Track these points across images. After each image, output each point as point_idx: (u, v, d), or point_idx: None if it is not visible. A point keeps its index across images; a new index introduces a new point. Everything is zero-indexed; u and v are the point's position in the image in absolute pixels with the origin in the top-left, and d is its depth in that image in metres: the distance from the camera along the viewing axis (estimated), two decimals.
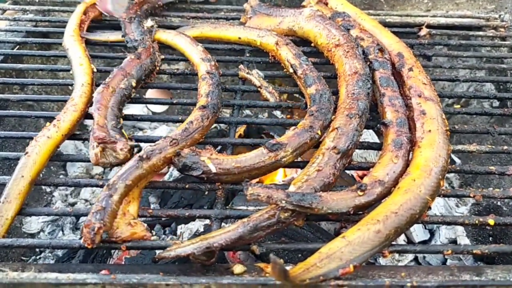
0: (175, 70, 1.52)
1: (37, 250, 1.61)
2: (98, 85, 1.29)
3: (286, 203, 0.90)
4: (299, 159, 1.14)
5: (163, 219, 1.63)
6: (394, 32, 1.52)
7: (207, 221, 1.56)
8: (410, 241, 1.62)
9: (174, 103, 1.42)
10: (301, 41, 1.57)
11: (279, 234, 1.36)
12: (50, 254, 1.59)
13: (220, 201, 1.07)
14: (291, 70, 1.39)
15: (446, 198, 1.74)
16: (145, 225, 0.97)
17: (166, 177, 1.80)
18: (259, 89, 1.42)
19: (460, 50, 1.76)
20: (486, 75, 1.77)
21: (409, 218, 0.92)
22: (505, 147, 1.23)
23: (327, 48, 1.44)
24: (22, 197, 1.02)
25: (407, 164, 1.06)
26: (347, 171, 1.67)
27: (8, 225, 0.98)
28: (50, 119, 1.19)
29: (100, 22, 1.74)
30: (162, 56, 1.52)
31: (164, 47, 1.58)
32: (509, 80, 1.62)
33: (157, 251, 1.09)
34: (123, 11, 1.67)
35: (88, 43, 1.59)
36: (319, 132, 1.14)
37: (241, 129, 1.89)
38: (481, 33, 1.80)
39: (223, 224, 1.04)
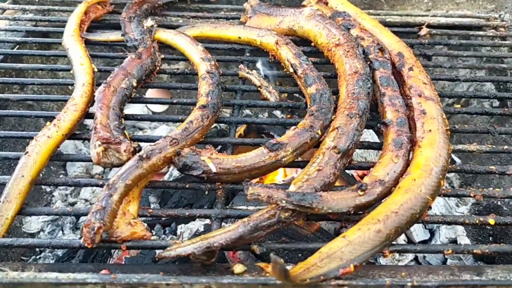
0: (175, 70, 1.52)
1: (37, 249, 1.61)
2: (98, 85, 1.29)
3: (287, 203, 0.90)
4: (299, 158, 1.14)
5: (163, 218, 1.63)
6: (394, 32, 1.53)
7: (207, 221, 1.56)
8: (410, 241, 1.62)
9: (174, 103, 1.42)
10: (301, 41, 1.57)
11: (279, 233, 1.35)
12: (50, 254, 1.59)
13: (220, 201, 1.07)
14: (291, 70, 1.39)
15: (447, 198, 1.74)
16: (145, 224, 0.97)
17: (166, 177, 1.80)
18: (259, 88, 1.42)
19: (460, 50, 1.76)
20: (486, 75, 1.77)
21: (410, 217, 0.92)
22: (506, 147, 1.23)
23: (327, 48, 1.43)
24: (22, 196, 1.02)
25: (407, 163, 1.06)
26: (347, 171, 1.67)
27: (8, 225, 0.98)
28: (50, 118, 1.19)
29: (100, 22, 1.74)
30: (162, 56, 1.52)
31: (164, 46, 1.58)
32: (509, 79, 1.62)
33: (157, 251, 1.09)
34: None
35: (88, 42, 1.59)
36: (319, 131, 1.14)
37: (241, 129, 1.89)
38: (481, 32, 1.80)
39: (223, 224, 1.04)
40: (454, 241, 1.61)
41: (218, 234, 0.89)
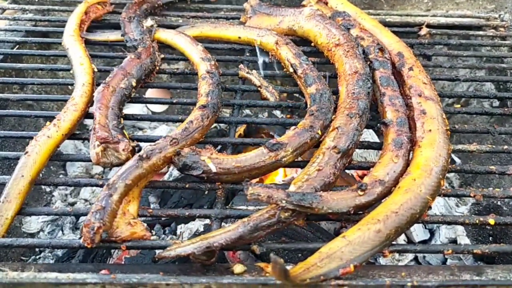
0: (175, 70, 1.52)
1: (37, 249, 1.61)
2: (98, 85, 1.29)
3: (287, 203, 0.89)
4: (299, 158, 1.14)
5: (163, 218, 1.63)
6: (394, 32, 1.52)
7: (207, 221, 1.56)
8: (410, 241, 1.62)
9: (174, 103, 1.42)
10: (301, 41, 1.57)
11: (279, 233, 1.35)
12: (49, 254, 1.58)
13: (220, 201, 1.07)
14: (291, 70, 1.39)
15: (446, 198, 1.74)
16: (145, 224, 0.97)
17: (166, 177, 1.79)
18: (259, 88, 1.42)
19: (460, 50, 1.76)
20: (486, 75, 1.77)
21: (410, 217, 0.92)
22: (505, 147, 1.23)
23: (327, 48, 1.43)
24: (22, 196, 1.02)
25: (407, 163, 1.06)
26: (347, 171, 1.67)
27: (8, 225, 0.98)
28: (50, 118, 1.19)
29: (100, 22, 1.74)
30: (162, 56, 1.52)
31: (163, 46, 1.58)
32: (509, 79, 1.62)
33: (157, 251, 1.09)
34: None
35: (88, 42, 1.59)
36: (319, 131, 1.14)
37: (241, 129, 1.89)
38: (481, 32, 1.80)
39: (223, 223, 1.04)
40: (454, 241, 1.61)
41: (218, 234, 0.89)
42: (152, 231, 1.62)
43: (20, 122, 1.78)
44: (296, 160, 1.12)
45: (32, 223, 1.68)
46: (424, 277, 0.89)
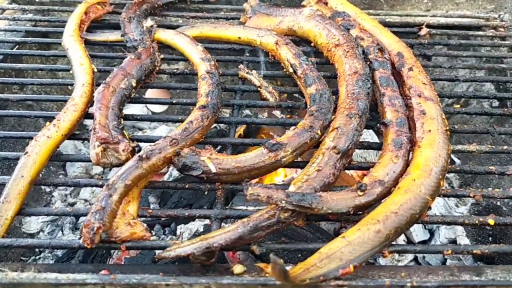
0: (175, 70, 1.52)
1: (37, 250, 1.61)
2: (98, 85, 1.29)
3: (286, 203, 0.89)
4: (299, 159, 1.14)
5: (162, 219, 1.63)
6: (394, 32, 1.53)
7: (207, 221, 1.56)
8: (410, 241, 1.62)
9: (174, 103, 1.42)
10: (301, 41, 1.57)
11: (279, 234, 1.36)
12: (49, 254, 1.58)
13: (220, 201, 1.07)
14: (291, 70, 1.39)
15: (446, 198, 1.74)
16: (145, 225, 0.97)
17: (165, 177, 1.79)
18: (259, 89, 1.42)
19: (460, 50, 1.77)
20: (486, 75, 1.77)
21: (409, 218, 0.92)
22: (505, 147, 1.23)
23: (327, 48, 1.43)
24: (22, 197, 1.02)
25: (407, 164, 1.06)
26: (347, 171, 1.67)
27: (8, 225, 0.98)
28: (50, 119, 1.19)
29: (100, 22, 1.74)
30: (162, 56, 1.52)
31: (163, 46, 1.58)
32: (509, 80, 1.62)
33: (157, 251, 1.09)
34: None
35: (88, 42, 1.59)
36: (319, 132, 1.14)
37: (241, 129, 1.89)
38: (480, 33, 1.80)
39: (223, 224, 1.04)
40: (453, 242, 1.61)
41: (218, 235, 0.89)
42: (152, 231, 1.62)
43: (20, 122, 1.78)
44: (295, 160, 1.12)
45: (32, 224, 1.68)
46: (423, 278, 0.89)
